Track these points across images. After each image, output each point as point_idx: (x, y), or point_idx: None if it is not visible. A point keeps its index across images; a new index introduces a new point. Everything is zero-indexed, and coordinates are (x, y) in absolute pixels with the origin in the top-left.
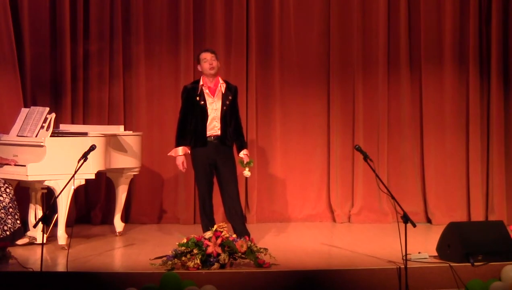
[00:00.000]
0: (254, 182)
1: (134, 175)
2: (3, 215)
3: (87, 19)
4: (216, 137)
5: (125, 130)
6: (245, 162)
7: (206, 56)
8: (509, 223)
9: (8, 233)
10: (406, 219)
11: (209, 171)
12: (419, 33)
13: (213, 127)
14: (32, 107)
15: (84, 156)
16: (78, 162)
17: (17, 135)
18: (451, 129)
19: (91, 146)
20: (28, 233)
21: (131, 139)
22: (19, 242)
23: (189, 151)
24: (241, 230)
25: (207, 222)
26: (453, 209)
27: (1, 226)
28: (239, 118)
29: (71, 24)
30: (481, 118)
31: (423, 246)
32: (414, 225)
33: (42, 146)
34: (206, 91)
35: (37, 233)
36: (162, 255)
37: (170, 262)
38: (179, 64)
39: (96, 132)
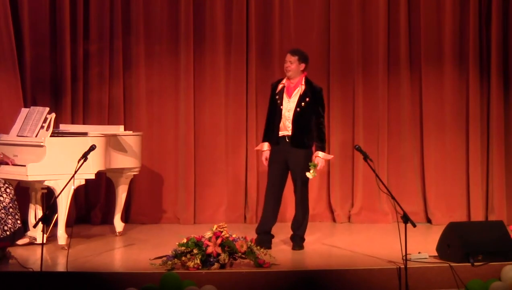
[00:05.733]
0: (254, 182)
1: (134, 175)
2: (3, 215)
3: (87, 19)
4: (288, 137)
5: (125, 130)
6: (309, 163)
7: (286, 57)
8: (509, 223)
9: (8, 233)
10: (406, 219)
11: (276, 171)
12: (419, 33)
13: (286, 127)
14: (32, 107)
15: (84, 156)
16: (78, 162)
17: (17, 135)
18: (451, 129)
19: (91, 146)
20: (28, 233)
21: (131, 139)
22: (19, 242)
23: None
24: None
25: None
26: (453, 209)
27: (2, 226)
28: (319, 120)
29: (71, 24)
30: (481, 118)
31: (423, 246)
32: (414, 225)
33: (42, 146)
34: (285, 90)
35: (37, 233)
36: (162, 255)
37: (170, 262)
38: (179, 64)
39: (96, 132)
